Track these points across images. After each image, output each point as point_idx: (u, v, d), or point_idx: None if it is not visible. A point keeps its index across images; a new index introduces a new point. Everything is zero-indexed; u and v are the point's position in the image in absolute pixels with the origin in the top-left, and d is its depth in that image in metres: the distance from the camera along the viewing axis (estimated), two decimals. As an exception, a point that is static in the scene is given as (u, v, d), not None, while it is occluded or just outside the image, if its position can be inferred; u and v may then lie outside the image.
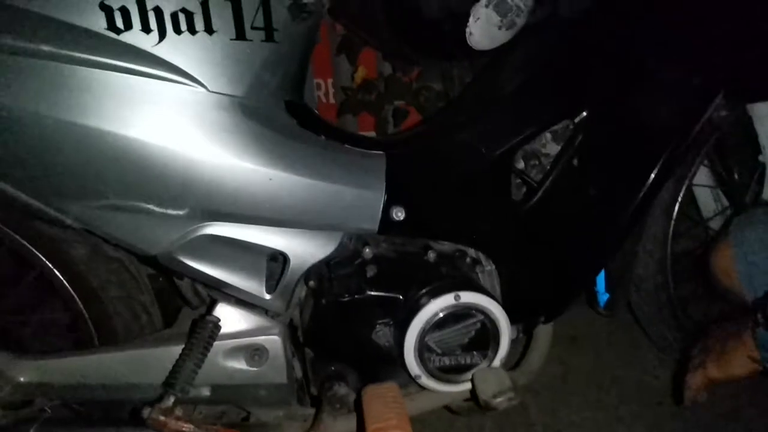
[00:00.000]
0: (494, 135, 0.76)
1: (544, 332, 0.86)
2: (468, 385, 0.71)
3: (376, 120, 1.30)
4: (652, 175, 0.71)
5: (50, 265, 0.72)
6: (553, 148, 0.78)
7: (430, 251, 0.75)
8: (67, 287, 0.73)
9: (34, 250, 0.71)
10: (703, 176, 1.03)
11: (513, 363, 0.90)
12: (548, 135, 0.79)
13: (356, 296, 0.69)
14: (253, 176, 0.63)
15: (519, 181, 0.80)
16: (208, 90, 0.60)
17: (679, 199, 0.93)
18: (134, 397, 0.66)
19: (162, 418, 0.56)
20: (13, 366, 0.61)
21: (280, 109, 0.67)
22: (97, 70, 0.55)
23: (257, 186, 0.63)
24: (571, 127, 0.75)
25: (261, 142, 0.64)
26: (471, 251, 0.79)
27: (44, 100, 0.55)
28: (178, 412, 0.58)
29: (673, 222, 0.94)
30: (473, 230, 0.77)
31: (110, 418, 0.67)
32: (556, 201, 0.76)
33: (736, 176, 0.92)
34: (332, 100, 1.47)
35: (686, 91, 0.72)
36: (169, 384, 0.59)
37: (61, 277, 0.72)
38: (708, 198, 1.04)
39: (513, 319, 0.78)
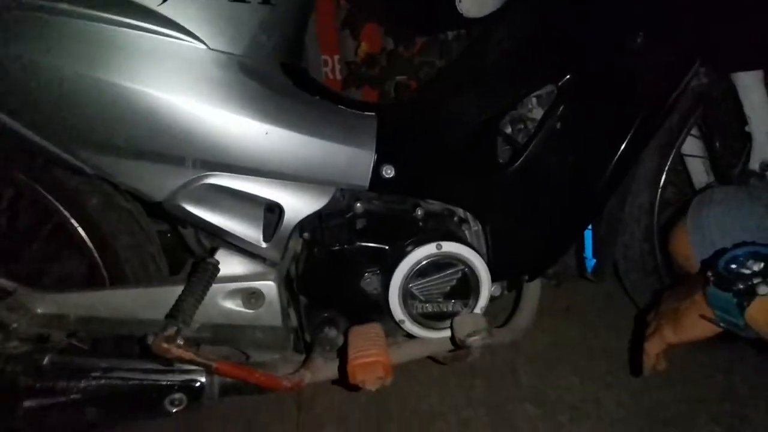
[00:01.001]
0: (481, 100, 0.80)
1: (532, 292, 0.90)
2: (447, 334, 0.75)
3: (379, 94, 1.34)
4: (627, 140, 0.74)
5: (67, 214, 0.78)
6: (539, 113, 0.82)
7: (418, 209, 0.80)
8: (82, 235, 0.79)
9: (52, 199, 0.77)
10: (696, 147, 1.05)
11: (501, 322, 0.95)
12: (534, 100, 0.82)
13: (346, 246, 0.74)
14: (250, 130, 0.68)
15: (506, 144, 0.84)
16: (209, 47, 0.65)
17: (666, 168, 0.96)
18: (141, 332, 0.71)
19: (165, 344, 0.62)
20: (32, 298, 0.68)
21: (277, 69, 0.72)
22: (108, 26, 0.61)
23: (254, 139, 0.68)
24: (555, 91, 0.78)
25: (258, 99, 0.68)
26: (459, 211, 0.83)
27: (62, 53, 0.60)
28: (180, 341, 0.64)
29: (660, 190, 0.97)
30: (460, 190, 0.81)
31: (120, 351, 0.73)
32: (539, 163, 0.79)
33: (718, 146, 0.93)
34: (338, 76, 1.51)
35: (662, 58, 0.74)
36: (171, 316, 0.65)
37: (77, 225, 0.78)
38: (699, 169, 1.05)
39: (497, 277, 0.82)
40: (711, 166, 0.99)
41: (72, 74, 0.61)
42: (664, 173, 0.96)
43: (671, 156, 0.95)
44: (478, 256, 0.73)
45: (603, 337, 1.21)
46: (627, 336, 1.20)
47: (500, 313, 1.02)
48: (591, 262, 0.99)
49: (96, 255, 0.80)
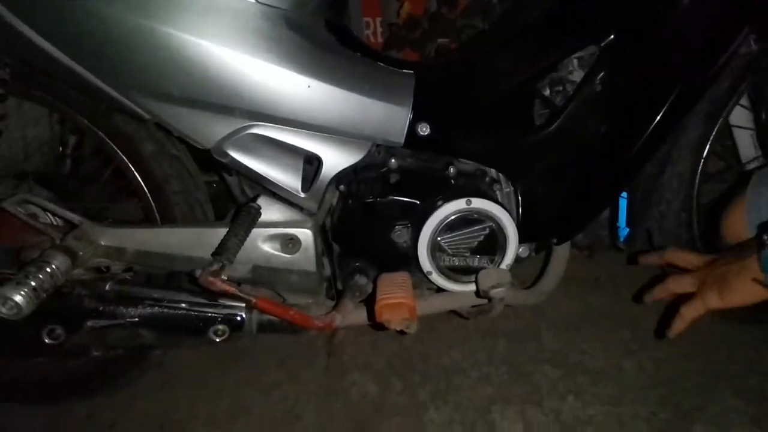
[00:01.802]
0: (520, 60, 0.80)
1: (560, 256, 0.91)
2: (472, 287, 0.78)
3: (420, 56, 1.34)
4: (667, 106, 0.73)
5: (125, 159, 0.85)
6: (579, 75, 0.81)
7: (451, 167, 0.82)
8: (138, 178, 0.86)
9: (112, 144, 0.84)
10: (745, 118, 1.01)
11: (528, 285, 0.97)
12: (575, 62, 0.82)
13: (379, 198, 0.78)
14: (293, 82, 0.71)
15: (543, 106, 0.84)
16: (257, 1, 0.68)
17: (711, 137, 0.93)
18: (189, 268, 0.78)
19: (211, 278, 0.68)
20: (96, 231, 0.75)
21: (320, 24, 0.75)
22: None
23: (297, 92, 0.72)
24: (597, 52, 0.77)
25: (302, 53, 0.71)
26: (491, 171, 0.85)
27: (121, 2, 0.65)
28: (224, 276, 0.70)
29: (702, 160, 0.94)
30: (494, 151, 0.82)
31: (171, 284, 0.81)
32: (576, 126, 0.79)
33: (764, 118, 0.89)
34: (380, 39, 1.52)
35: (710, 22, 0.72)
36: (217, 253, 0.71)
37: (133, 169, 0.85)
38: (747, 142, 1.01)
39: (526, 238, 0.84)
40: (756, 138, 0.96)
41: (131, 23, 0.65)
42: (709, 143, 0.94)
43: (717, 125, 0.92)
44: (506, 213, 0.74)
45: (630, 307, 1.21)
46: (654, 307, 1.19)
47: (527, 279, 1.04)
48: (624, 231, 0.99)
49: (149, 197, 0.87)
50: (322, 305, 0.86)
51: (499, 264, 0.77)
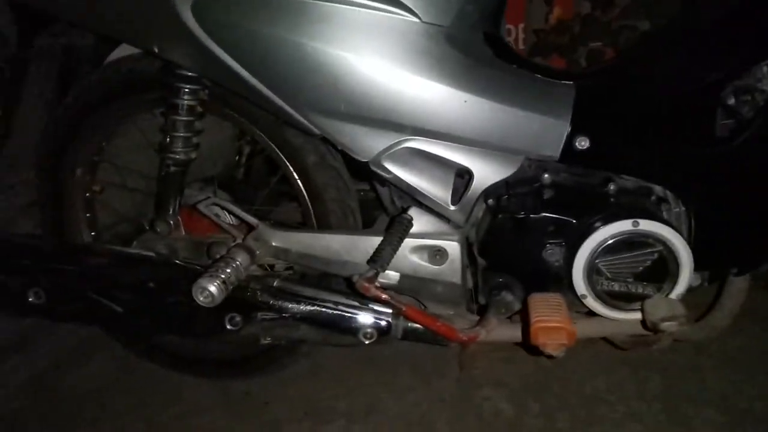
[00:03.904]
0: (696, 67, 0.73)
1: (737, 288, 0.81)
2: (634, 315, 0.72)
3: (568, 63, 1.28)
4: None
5: (291, 168, 0.94)
6: (773, 83, 0.70)
7: (611, 184, 0.76)
8: (301, 186, 0.94)
9: (282, 155, 0.94)
10: None
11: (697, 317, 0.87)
12: (765, 68, 0.71)
13: (531, 215, 0.75)
14: (450, 98, 0.73)
15: (727, 117, 0.74)
16: (422, 21, 0.71)
17: None
18: (342, 271, 0.84)
19: (366, 284, 0.72)
20: (269, 233, 0.84)
21: (479, 39, 0.75)
22: (337, 5, 0.71)
23: (453, 107, 0.73)
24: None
25: (460, 68, 0.73)
26: (657, 189, 0.78)
27: (302, 30, 0.72)
28: (378, 283, 0.74)
29: None
30: (663, 167, 0.75)
31: (328, 285, 0.87)
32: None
33: None
34: (521, 46, 1.48)
35: None
36: (373, 260, 0.75)
37: (297, 177, 0.94)
38: None
39: (700, 266, 0.75)
40: None
41: (308, 47, 0.72)
42: None
43: None
44: (681, 238, 0.67)
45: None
46: None
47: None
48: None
49: (309, 203, 0.95)
50: (463, 318, 0.86)
51: (668, 293, 0.70)
